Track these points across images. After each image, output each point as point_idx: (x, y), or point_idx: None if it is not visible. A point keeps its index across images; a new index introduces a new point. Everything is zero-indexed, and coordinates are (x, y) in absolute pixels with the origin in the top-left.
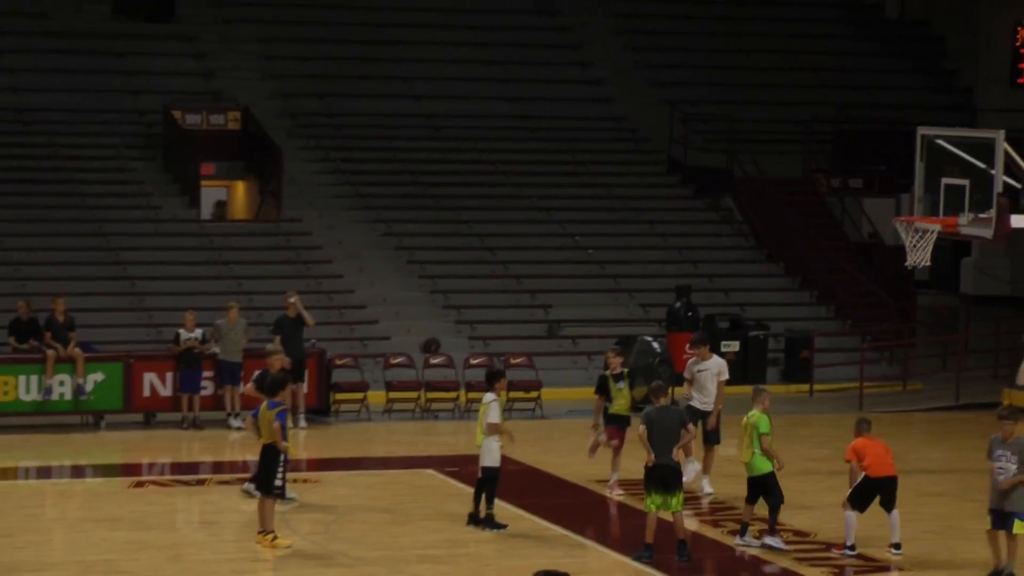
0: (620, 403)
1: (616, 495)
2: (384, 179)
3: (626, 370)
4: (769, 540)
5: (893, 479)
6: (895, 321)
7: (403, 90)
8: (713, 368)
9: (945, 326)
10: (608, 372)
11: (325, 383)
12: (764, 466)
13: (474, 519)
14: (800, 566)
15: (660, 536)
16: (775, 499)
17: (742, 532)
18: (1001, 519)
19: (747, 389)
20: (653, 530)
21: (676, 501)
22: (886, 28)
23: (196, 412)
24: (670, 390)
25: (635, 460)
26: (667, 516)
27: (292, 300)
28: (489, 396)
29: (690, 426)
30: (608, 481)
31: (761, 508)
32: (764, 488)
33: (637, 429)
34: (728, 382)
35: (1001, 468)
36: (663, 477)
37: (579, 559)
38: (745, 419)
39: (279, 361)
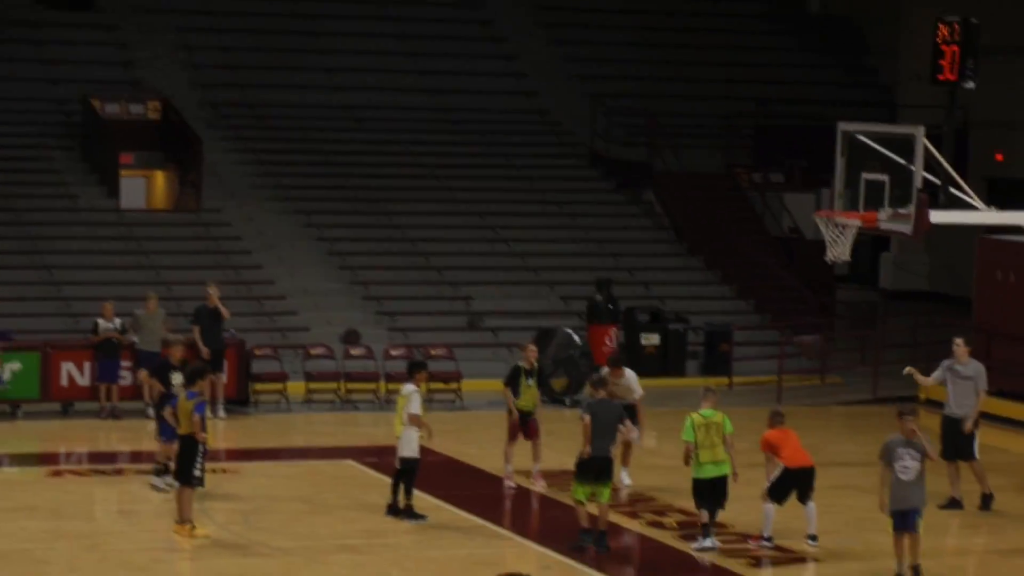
0: (527, 399)
1: (540, 487)
2: (305, 170)
3: (536, 365)
4: (707, 543)
5: (811, 470)
6: (814, 315)
7: (324, 81)
8: (622, 384)
9: (864, 321)
10: (522, 364)
11: (244, 373)
12: (728, 467)
13: (393, 510)
14: (718, 557)
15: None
16: (721, 502)
17: (705, 535)
18: (903, 520)
19: (668, 382)
20: (585, 516)
21: (606, 493)
22: (808, 24)
23: (114, 402)
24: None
25: (553, 452)
26: (591, 507)
27: (211, 291)
28: (409, 387)
29: (628, 422)
30: (531, 472)
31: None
32: (715, 489)
33: (581, 418)
34: (649, 374)
35: (905, 467)
36: (598, 469)
37: (498, 550)
38: (700, 417)
39: (179, 350)
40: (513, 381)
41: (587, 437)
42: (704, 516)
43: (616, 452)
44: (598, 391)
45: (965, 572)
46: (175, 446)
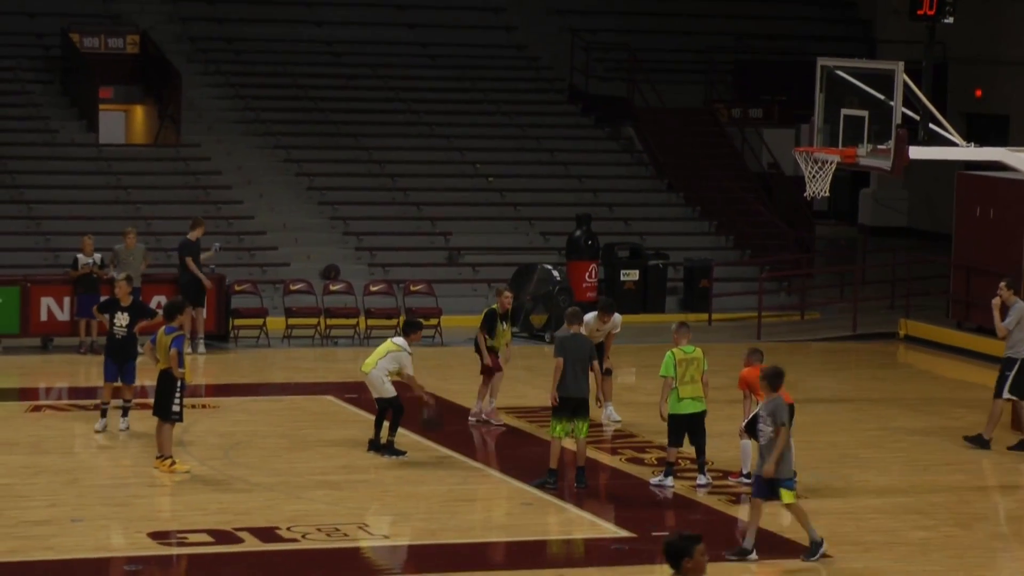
0: (499, 341)
1: (496, 423)
2: (284, 105)
3: (509, 309)
4: (668, 481)
5: (790, 407)
6: (793, 251)
7: (304, 15)
8: (608, 327)
9: (843, 257)
10: (497, 308)
11: (225, 309)
12: (705, 404)
13: (374, 445)
14: (697, 494)
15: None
16: (704, 439)
17: (667, 473)
18: (761, 486)
19: (648, 318)
20: (558, 456)
21: (584, 428)
22: None
23: (94, 337)
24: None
25: (532, 388)
26: (568, 443)
27: (196, 230)
28: (401, 341)
29: (595, 363)
30: (473, 408)
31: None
32: (694, 425)
33: (553, 357)
34: (629, 310)
35: (760, 430)
36: (574, 407)
37: (478, 486)
38: (681, 352)
39: (124, 288)
40: (489, 326)
41: (556, 380)
42: (673, 455)
43: (592, 388)
44: (572, 326)
45: (944, 508)
46: (114, 386)
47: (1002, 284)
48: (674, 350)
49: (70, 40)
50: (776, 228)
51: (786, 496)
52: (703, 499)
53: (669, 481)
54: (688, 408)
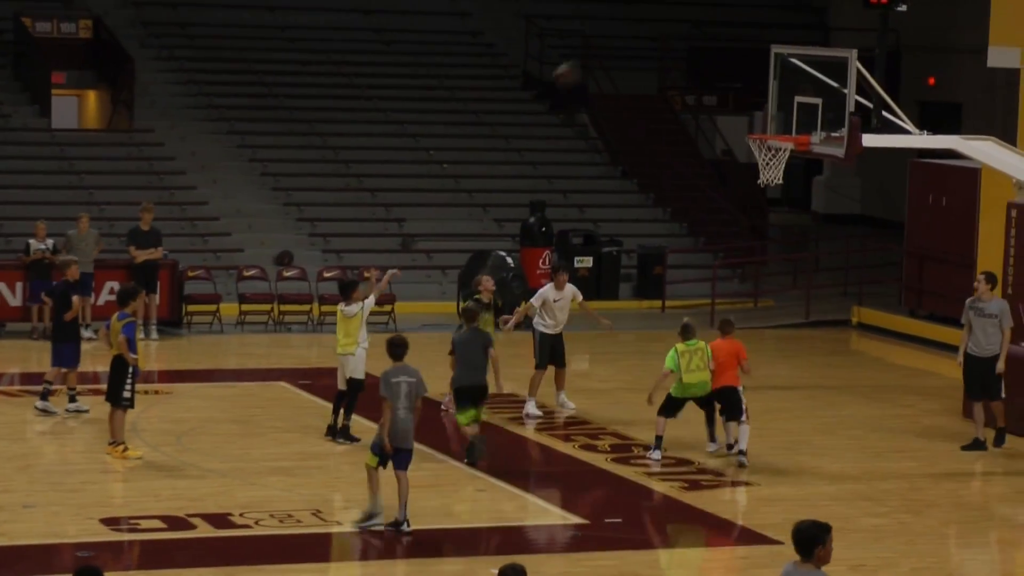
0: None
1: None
2: (238, 90)
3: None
4: (655, 455)
5: (727, 389)
6: (747, 238)
7: (258, 1)
8: (567, 296)
9: (796, 244)
10: (482, 298)
11: (178, 295)
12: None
13: (332, 431)
14: (650, 480)
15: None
16: (715, 411)
17: (656, 446)
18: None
19: (601, 305)
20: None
21: (482, 414)
22: None
23: (46, 322)
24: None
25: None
26: (473, 428)
27: (145, 215)
28: (346, 308)
29: (491, 351)
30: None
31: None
32: (706, 403)
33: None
34: (582, 297)
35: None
36: (472, 396)
37: (432, 472)
38: (683, 345)
39: (75, 270)
40: (472, 317)
41: (454, 370)
42: (661, 427)
43: (491, 377)
44: (469, 322)
45: (896, 495)
46: (64, 371)
47: (980, 277)
48: (677, 345)
49: (22, 24)
50: (730, 215)
51: (368, 459)
52: (656, 485)
53: (656, 455)
54: (692, 392)
